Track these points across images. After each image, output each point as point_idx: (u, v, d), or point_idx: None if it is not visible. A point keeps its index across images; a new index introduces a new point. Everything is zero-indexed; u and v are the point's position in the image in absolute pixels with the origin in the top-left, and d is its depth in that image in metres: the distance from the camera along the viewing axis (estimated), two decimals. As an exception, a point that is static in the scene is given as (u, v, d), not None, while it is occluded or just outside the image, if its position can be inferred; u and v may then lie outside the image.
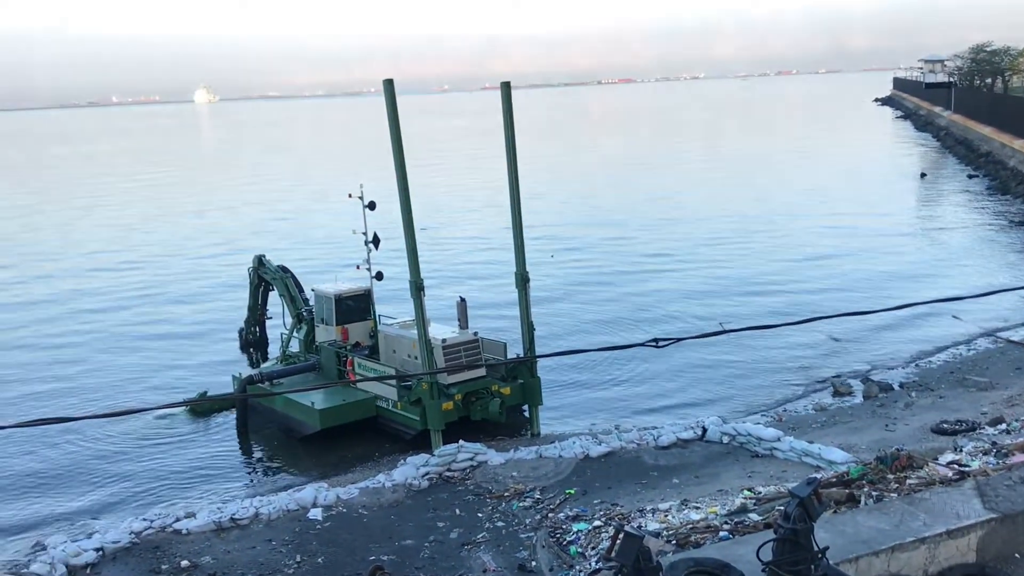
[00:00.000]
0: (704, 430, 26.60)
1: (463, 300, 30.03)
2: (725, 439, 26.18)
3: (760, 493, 21.01)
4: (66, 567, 20.18)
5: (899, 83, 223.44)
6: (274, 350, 37.38)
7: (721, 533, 17.99)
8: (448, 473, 24.71)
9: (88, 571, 20.34)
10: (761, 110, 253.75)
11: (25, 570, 19.54)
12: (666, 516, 20.45)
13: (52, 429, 29.84)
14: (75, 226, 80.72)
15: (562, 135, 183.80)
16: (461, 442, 25.73)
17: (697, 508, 20.77)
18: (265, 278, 37.02)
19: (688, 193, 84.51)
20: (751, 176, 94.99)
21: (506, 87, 28.84)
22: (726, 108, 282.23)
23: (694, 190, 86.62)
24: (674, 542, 18.15)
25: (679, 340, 8.40)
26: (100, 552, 20.97)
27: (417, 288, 26.90)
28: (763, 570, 11.00)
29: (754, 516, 19.06)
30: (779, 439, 25.30)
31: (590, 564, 18.86)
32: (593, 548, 19.59)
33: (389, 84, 26.98)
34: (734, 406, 31.08)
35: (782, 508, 11.82)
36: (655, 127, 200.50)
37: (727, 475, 23.69)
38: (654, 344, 8.10)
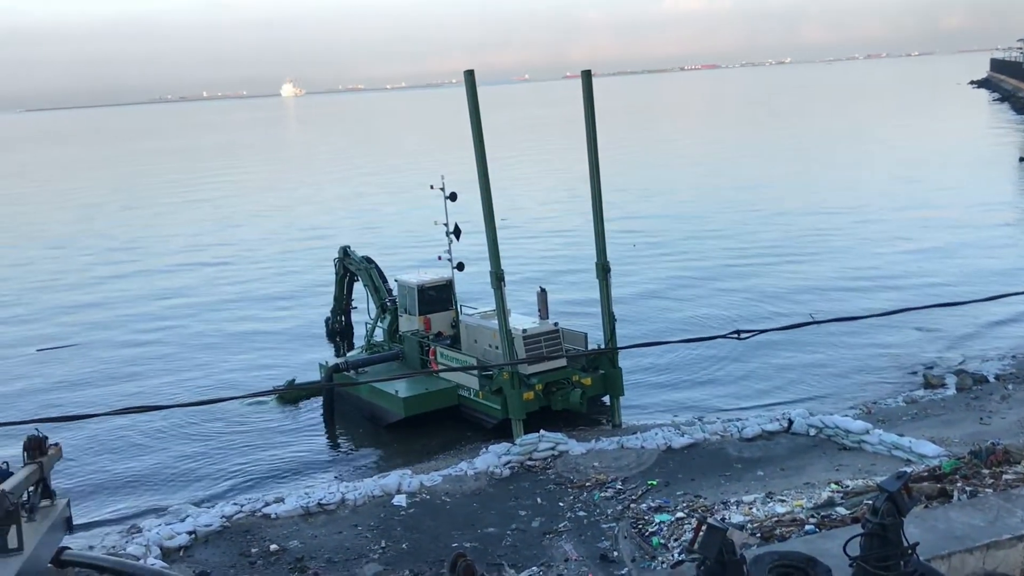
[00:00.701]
0: (790, 422, 26.15)
1: (543, 290, 30.04)
2: (812, 431, 25.70)
3: (847, 487, 20.59)
4: (160, 549, 20.87)
5: (997, 64, 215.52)
6: (359, 339, 37.97)
7: (807, 527, 17.71)
8: (529, 462, 24.79)
9: (181, 553, 21.00)
10: (850, 95, 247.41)
11: (122, 551, 20.26)
12: (750, 509, 20.20)
13: (147, 416, 30.85)
14: (167, 219, 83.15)
15: (644, 124, 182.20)
16: (542, 432, 25.78)
17: (782, 501, 20.47)
18: (350, 269, 37.61)
19: (774, 183, 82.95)
20: (840, 165, 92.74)
21: (587, 75, 28.69)
22: (814, 94, 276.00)
23: (780, 180, 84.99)
24: (759, 535, 17.92)
25: (763, 332, 8.26)
26: (193, 535, 21.63)
27: (498, 278, 27.00)
28: (850, 565, 10.77)
29: (841, 510, 18.70)
30: (868, 432, 24.73)
31: (672, 556, 18.75)
32: (676, 540, 19.46)
33: (470, 75, 27.09)
34: (821, 398, 30.46)
35: (870, 502, 11.55)
36: (740, 115, 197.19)
37: (813, 468, 23.26)
38: (736, 336, 7.98)
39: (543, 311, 29.59)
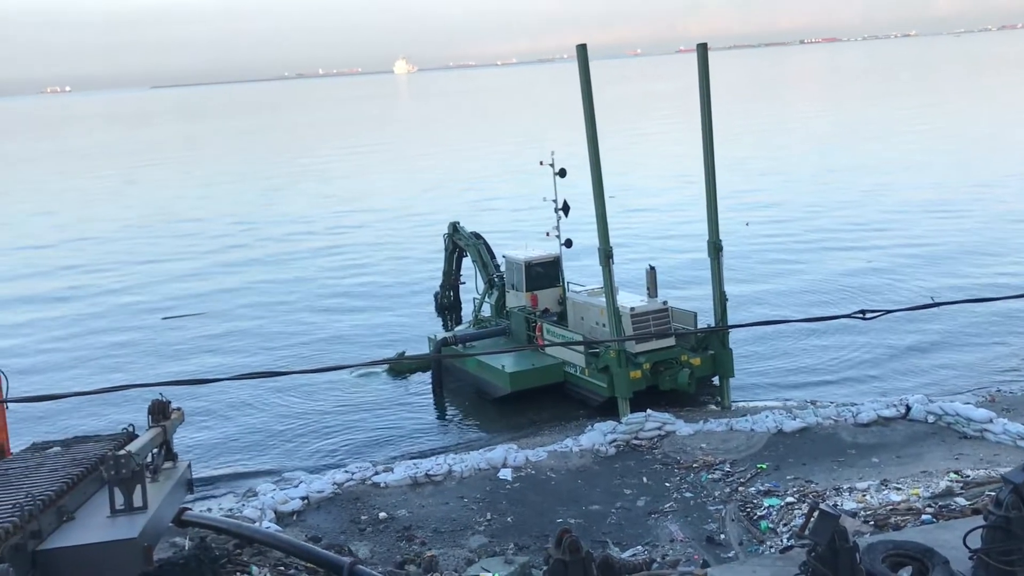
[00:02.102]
0: (908, 408, 25.27)
1: (653, 268, 29.72)
2: (931, 419, 24.79)
3: (968, 477, 19.82)
4: (275, 513, 21.60)
5: None
6: (467, 314, 38.38)
7: (923, 516, 17.13)
8: (635, 441, 24.67)
9: (294, 518, 21.69)
10: (980, 69, 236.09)
11: (239, 514, 21.03)
12: (864, 496, 19.66)
13: (265, 383, 31.91)
14: (285, 195, 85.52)
15: (762, 99, 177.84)
16: (649, 411, 25.60)
17: (898, 489, 19.85)
18: (459, 244, 37.98)
19: (896, 160, 79.99)
20: (966, 142, 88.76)
21: (702, 49, 28.12)
22: (940, 68, 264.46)
23: (903, 157, 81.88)
24: (872, 523, 17.43)
25: (888, 312, 7.95)
26: (305, 500, 22.31)
27: (606, 255, 26.82)
28: (970, 558, 10.38)
29: (961, 501, 18.02)
30: (991, 421, 23.70)
31: (781, 541, 18.40)
32: (785, 525, 19.09)
33: (582, 49, 26.87)
34: (942, 384, 29.33)
35: (993, 494, 11.09)
36: (860, 90, 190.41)
37: (932, 456, 22.45)
38: (861, 316, 7.71)
39: (652, 289, 29.30)
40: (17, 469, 14.41)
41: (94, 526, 12.08)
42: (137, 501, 12.31)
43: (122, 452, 12.38)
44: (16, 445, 18.91)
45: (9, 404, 19.12)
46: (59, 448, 15.93)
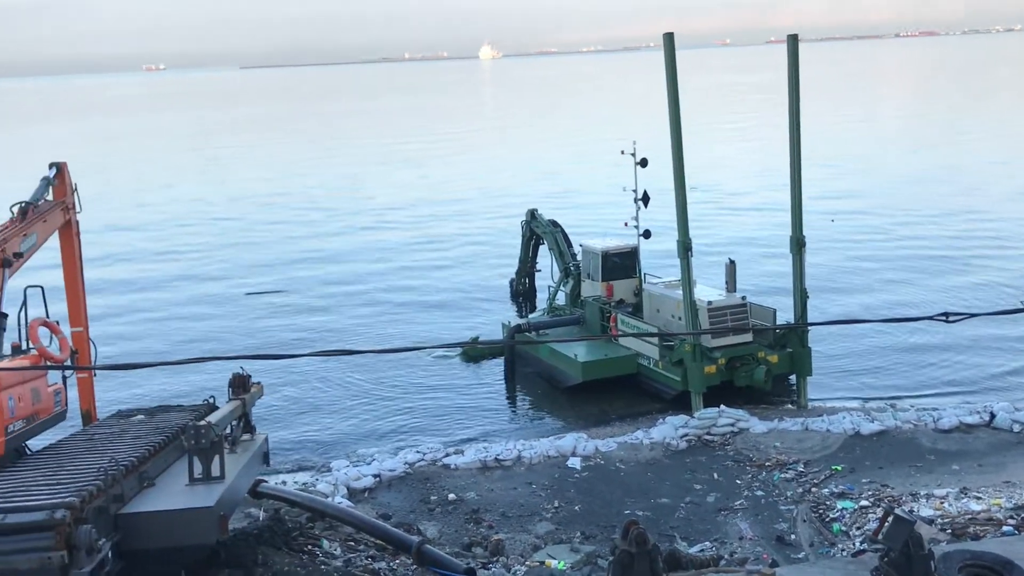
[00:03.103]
0: (992, 415, 24.53)
1: (732, 262, 29.33)
2: (1016, 427, 24.02)
3: (1054, 490, 19.18)
4: (347, 489, 21.99)
5: None
6: (541, 301, 38.41)
7: (1005, 527, 16.67)
8: (707, 436, 24.45)
9: (366, 495, 22.06)
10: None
11: (312, 488, 21.47)
12: (942, 503, 19.19)
13: (343, 362, 32.46)
14: (366, 179, 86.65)
15: (854, 94, 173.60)
16: (722, 407, 25.33)
17: (978, 498, 19.32)
18: (536, 232, 38.01)
19: (990, 162, 77.35)
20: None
21: (793, 40, 27.57)
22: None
23: (996, 159, 79.13)
24: (949, 531, 17.03)
25: (973, 316, 7.73)
26: (377, 478, 22.67)
27: (685, 248, 26.55)
28: (1053, 574, 10.04)
29: (1046, 514, 17.46)
30: (1081, 433, 22.86)
31: (854, 544, 18.09)
32: (858, 528, 18.75)
33: (669, 38, 26.57)
34: (1030, 392, 28.36)
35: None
36: (957, 87, 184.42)
37: (1016, 466, 21.75)
38: (944, 318, 7.51)
39: (730, 284, 28.92)
40: (102, 435, 14.96)
41: (173, 493, 12.48)
42: (215, 471, 12.68)
43: (202, 423, 12.75)
44: (102, 411, 19.61)
45: (97, 371, 19.83)
46: (143, 416, 16.48)
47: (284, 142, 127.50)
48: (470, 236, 56.51)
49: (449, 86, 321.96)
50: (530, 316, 36.38)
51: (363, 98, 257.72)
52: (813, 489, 21.17)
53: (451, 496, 21.74)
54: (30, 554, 9.99)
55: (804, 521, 19.66)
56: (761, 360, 27.49)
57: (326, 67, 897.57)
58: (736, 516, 20.22)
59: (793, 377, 28.35)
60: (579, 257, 34.06)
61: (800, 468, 22.40)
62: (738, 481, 22.01)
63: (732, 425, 24.70)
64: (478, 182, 78.50)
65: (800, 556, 18.24)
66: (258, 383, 16.15)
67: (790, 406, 27.54)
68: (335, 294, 44.13)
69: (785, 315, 29.24)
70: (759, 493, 21.30)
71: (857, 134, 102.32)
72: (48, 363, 15.42)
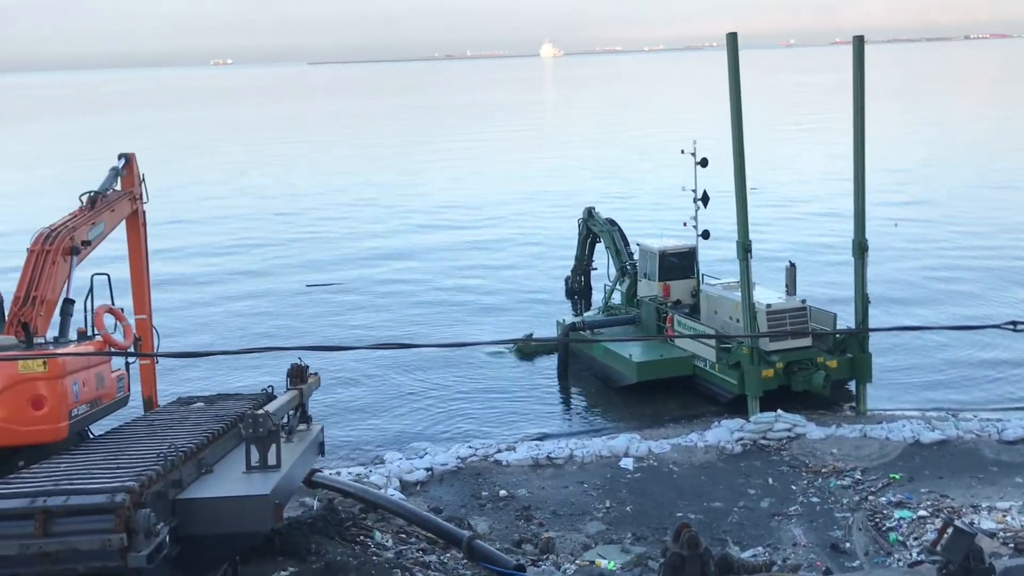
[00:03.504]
0: (1059, 429, 23.84)
1: (792, 265, 28.93)
2: (1084, 442, 23.32)
3: (1124, 507, 18.61)
4: (400, 481, 22.17)
5: None
6: (597, 300, 38.28)
7: (1070, 544, 16.19)
8: (763, 441, 24.16)
9: (418, 487, 22.21)
10: None
11: (365, 479, 21.68)
12: (1004, 517, 18.73)
13: (398, 355, 32.72)
14: (425, 174, 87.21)
15: (921, 97, 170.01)
16: (779, 411, 25.01)
17: (1043, 513, 18.81)
18: (593, 230, 37.89)
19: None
20: None
21: (858, 41, 27.10)
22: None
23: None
24: (1012, 546, 16.61)
25: (1043, 324, 7.51)
26: (430, 472, 22.82)
27: (744, 249, 26.25)
28: (1120, 593, 9.74)
29: (1114, 532, 16.94)
30: None
31: (911, 555, 17.75)
32: (916, 539, 18.39)
33: (732, 38, 26.29)
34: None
35: None
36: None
37: (1083, 481, 21.13)
38: (1011, 327, 7.31)
39: (790, 287, 28.54)
40: (163, 421, 15.27)
41: (230, 480, 12.68)
42: (271, 460, 12.86)
43: (260, 412, 12.93)
44: (163, 398, 20.03)
45: (159, 358, 20.26)
46: (202, 404, 16.79)
47: (347, 138, 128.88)
48: (527, 233, 56.55)
49: (510, 83, 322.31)
50: (585, 315, 36.27)
51: (426, 94, 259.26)
52: (870, 497, 20.81)
53: (502, 492, 21.79)
54: (91, 536, 10.23)
55: (860, 529, 19.34)
56: (820, 365, 27.07)
57: (391, 63, 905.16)
58: (790, 522, 19.96)
59: (852, 383, 27.88)
60: (636, 256, 33.88)
61: (857, 476, 22.03)
62: (793, 487, 21.72)
63: (789, 430, 24.37)
64: (536, 180, 78.46)
65: (855, 565, 17.95)
66: (315, 374, 16.35)
67: (849, 412, 27.11)
68: (392, 289, 44.48)
69: (846, 320, 28.73)
70: (814, 500, 21.00)
71: (924, 138, 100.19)
72: (112, 349, 15.77)
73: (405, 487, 22.03)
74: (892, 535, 18.79)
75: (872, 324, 27.75)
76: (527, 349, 33.72)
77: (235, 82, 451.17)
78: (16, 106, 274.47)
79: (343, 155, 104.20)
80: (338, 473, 21.80)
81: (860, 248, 26.86)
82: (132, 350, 17.17)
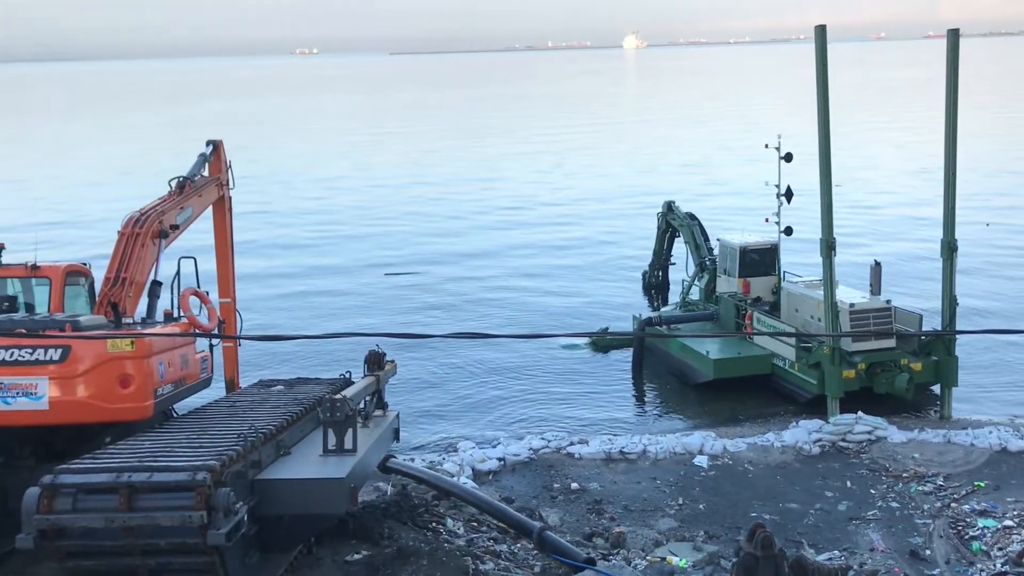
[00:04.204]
0: None
1: (878, 264, 28.22)
2: None
3: None
4: (472, 470, 22.30)
5: None
6: (674, 295, 37.93)
7: None
8: (842, 443, 23.66)
9: (490, 477, 22.31)
10: None
11: (438, 467, 21.87)
12: (1096, 531, 18.00)
13: (471, 344, 32.85)
14: (503, 165, 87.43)
15: (1018, 93, 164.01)
16: (860, 413, 24.45)
17: None
18: (673, 224, 37.51)
19: None
20: None
21: (953, 35, 26.24)
22: None
23: None
24: (1103, 561, 15.96)
25: None
26: (502, 462, 22.90)
27: (828, 247, 25.68)
28: None
29: None
30: None
31: (995, 565, 17.21)
32: (1000, 549, 17.83)
33: (821, 31, 25.71)
34: None
35: None
36: None
37: None
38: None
39: (875, 287, 27.85)
40: (244, 403, 15.63)
41: (307, 463, 12.93)
42: (348, 444, 13.06)
43: (338, 396, 13.15)
44: (245, 380, 20.49)
45: (241, 341, 20.71)
46: (282, 387, 17.13)
47: (429, 128, 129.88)
48: (605, 226, 56.28)
49: (592, 75, 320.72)
50: (662, 309, 35.98)
51: (507, 85, 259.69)
52: (952, 504, 20.21)
53: (574, 485, 21.75)
54: (172, 512, 10.53)
55: (941, 537, 18.81)
56: (904, 367, 26.38)
57: (472, 54, 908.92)
58: (868, 526, 19.52)
59: (937, 387, 27.11)
60: (716, 252, 33.44)
61: (939, 482, 21.43)
62: (872, 491, 21.23)
63: (869, 433, 23.81)
64: (615, 172, 78.04)
65: (935, 573, 17.48)
66: (392, 361, 16.54)
67: (932, 416, 26.36)
68: (468, 278, 44.74)
69: (932, 322, 27.92)
70: (894, 505, 20.50)
71: (1021, 138, 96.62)
72: (196, 331, 16.18)
73: (477, 476, 22.15)
74: (975, 544, 18.23)
75: (959, 326, 26.91)
76: (602, 343, 33.58)
77: (320, 71, 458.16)
78: (116, 93, 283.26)
79: (420, 146, 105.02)
80: (412, 459, 22.02)
81: (949, 248, 26.06)
82: (216, 332, 17.58)
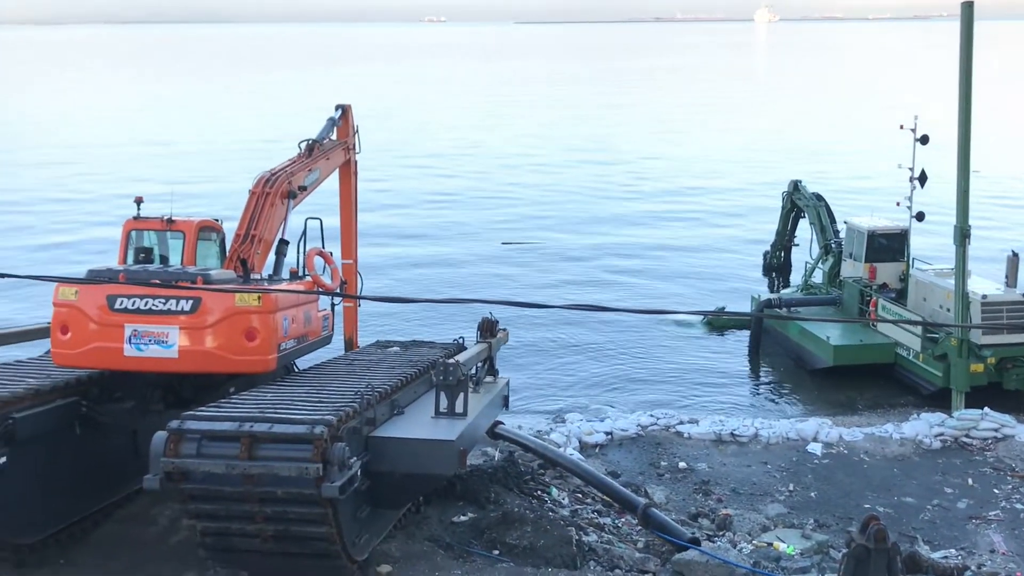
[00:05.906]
0: None
1: (1015, 255, 26.85)
2: None
3: None
4: (579, 442, 22.36)
5: None
6: (796, 278, 37.00)
7: None
8: (965, 439, 22.73)
9: (596, 450, 22.34)
10: None
11: (546, 436, 22.00)
12: None
13: (585, 317, 32.87)
14: (627, 138, 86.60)
15: None
16: (987, 409, 23.44)
17: None
18: (799, 204, 36.51)
19: None
20: None
21: (967, 8, 24.17)
22: None
23: None
24: None
25: None
26: (609, 436, 22.88)
27: (962, 235, 24.53)
28: None
29: None
30: None
31: (1126, 578, 16.28)
32: None
33: (967, 7, 24.39)
34: None
35: None
36: None
37: None
38: None
39: (1011, 278, 26.53)
40: (362, 361, 16.02)
41: (419, 423, 13.18)
42: (459, 407, 13.26)
43: (451, 361, 13.34)
44: (363, 340, 20.99)
45: (361, 302, 21.21)
46: (398, 348, 17.49)
47: (553, 98, 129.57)
48: (728, 204, 55.32)
49: (722, 48, 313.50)
50: (782, 292, 35.17)
51: (634, 57, 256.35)
52: (1085, 511, 19.22)
53: (681, 464, 21.57)
54: (289, 463, 10.90)
55: (1070, 545, 17.92)
56: (1037, 364, 25.13)
57: (597, 24, 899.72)
58: (989, 527, 18.75)
59: (1074, 387, 25.73)
60: (842, 235, 32.41)
61: (1071, 487, 20.39)
62: (995, 490, 20.36)
63: (995, 430, 22.81)
64: (742, 149, 76.37)
65: (1060, 581, 16.67)
66: (505, 329, 16.66)
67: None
68: (587, 251, 44.65)
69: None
70: (1019, 506, 19.62)
71: None
72: (319, 289, 16.63)
73: (584, 448, 22.19)
74: (1107, 554, 17.30)
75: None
76: (718, 322, 33.08)
77: (448, 39, 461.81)
78: (258, 55, 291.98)
79: (542, 116, 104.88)
80: (520, 427, 22.21)
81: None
82: (338, 292, 18.02)
